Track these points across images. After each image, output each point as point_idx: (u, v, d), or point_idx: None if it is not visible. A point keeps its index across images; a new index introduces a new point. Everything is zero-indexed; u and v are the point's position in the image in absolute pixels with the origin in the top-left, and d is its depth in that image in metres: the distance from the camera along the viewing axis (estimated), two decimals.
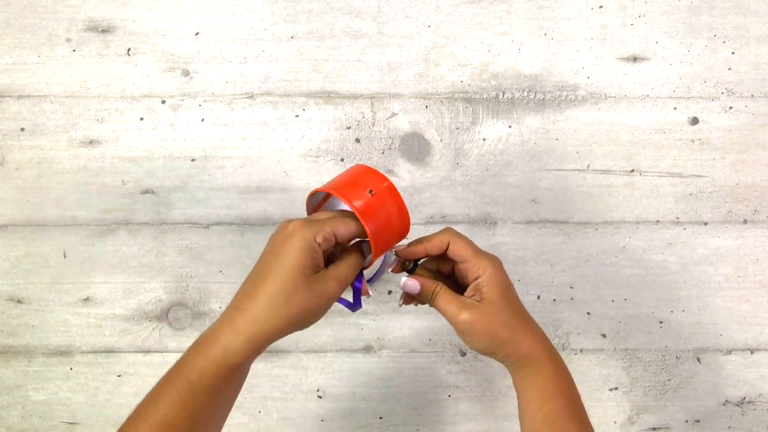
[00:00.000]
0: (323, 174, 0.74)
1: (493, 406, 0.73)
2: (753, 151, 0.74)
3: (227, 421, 0.48)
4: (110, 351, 0.72)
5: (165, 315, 0.73)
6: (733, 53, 0.75)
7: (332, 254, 0.50)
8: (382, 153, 0.74)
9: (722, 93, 0.74)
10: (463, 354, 0.73)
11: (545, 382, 0.49)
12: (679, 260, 0.73)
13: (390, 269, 0.53)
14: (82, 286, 0.73)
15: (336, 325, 0.73)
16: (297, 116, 0.74)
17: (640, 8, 0.75)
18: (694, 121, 0.74)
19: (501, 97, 0.74)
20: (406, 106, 0.74)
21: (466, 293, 0.50)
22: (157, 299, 0.73)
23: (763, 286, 0.73)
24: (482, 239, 0.73)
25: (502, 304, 0.49)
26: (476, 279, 0.50)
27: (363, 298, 0.52)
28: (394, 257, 0.52)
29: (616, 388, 0.73)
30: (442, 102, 0.74)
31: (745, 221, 0.74)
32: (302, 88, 0.74)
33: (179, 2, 0.75)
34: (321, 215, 0.49)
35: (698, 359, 0.73)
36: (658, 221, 0.74)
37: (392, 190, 0.49)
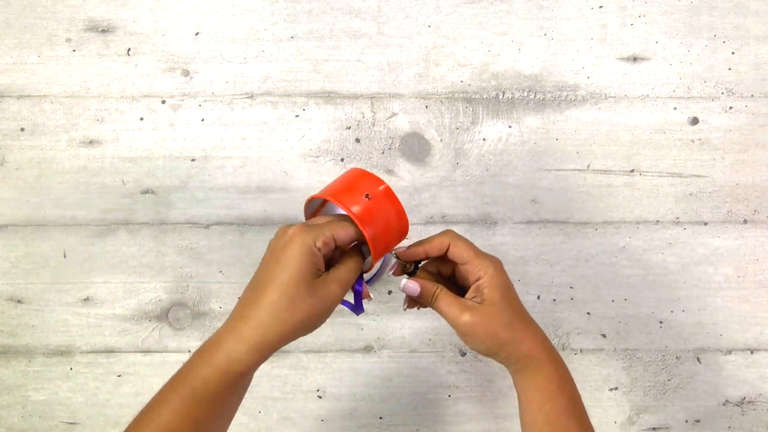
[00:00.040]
0: (323, 174, 0.74)
1: (493, 406, 0.73)
2: (753, 151, 0.74)
3: None
4: (110, 351, 0.72)
5: (165, 315, 0.73)
6: (733, 53, 0.75)
7: (332, 258, 0.50)
8: (382, 153, 0.74)
9: (722, 93, 0.74)
10: (463, 354, 0.73)
11: (546, 383, 0.49)
12: (679, 260, 0.74)
13: (391, 271, 0.53)
14: (82, 286, 0.73)
15: (336, 325, 0.73)
16: (297, 116, 0.74)
17: (640, 8, 0.75)
18: (694, 121, 0.74)
19: (501, 97, 0.74)
20: (406, 106, 0.74)
21: (467, 295, 0.50)
22: (157, 299, 0.73)
23: (763, 286, 0.73)
24: (482, 239, 0.73)
25: (503, 305, 0.49)
26: (477, 280, 0.50)
27: (364, 300, 0.52)
28: (394, 259, 0.53)
29: (616, 388, 0.73)
30: (442, 102, 0.74)
31: (745, 221, 0.74)
32: (302, 88, 0.74)
33: (179, 2, 0.75)
34: (319, 220, 0.49)
35: (698, 359, 0.73)
36: (658, 221, 0.74)
37: (389, 193, 0.49)
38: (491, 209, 0.74)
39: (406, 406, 0.73)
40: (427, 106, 0.74)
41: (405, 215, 0.50)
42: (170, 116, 0.74)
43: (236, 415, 0.48)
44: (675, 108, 0.74)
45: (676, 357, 0.73)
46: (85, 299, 0.73)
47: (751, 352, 0.73)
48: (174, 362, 0.72)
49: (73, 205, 0.73)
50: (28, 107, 0.74)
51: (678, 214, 0.74)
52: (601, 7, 0.75)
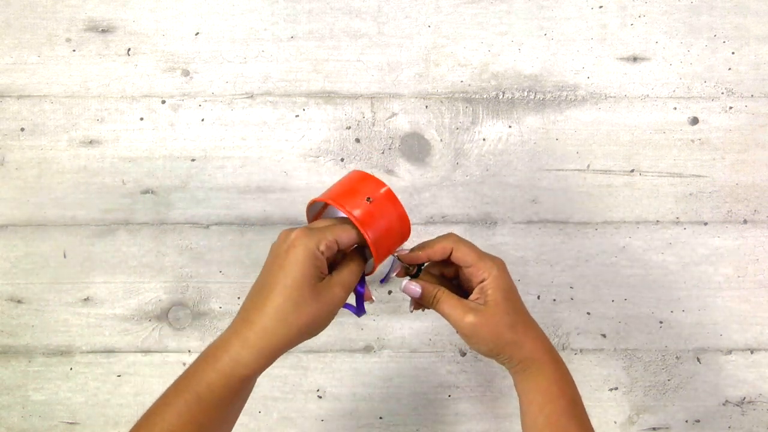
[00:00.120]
0: (323, 174, 0.74)
1: (493, 406, 0.73)
2: (753, 151, 0.74)
3: None
4: (110, 351, 0.72)
5: (165, 315, 0.73)
6: (733, 53, 0.75)
7: (333, 260, 0.50)
8: (382, 153, 0.74)
9: (722, 93, 0.74)
10: (463, 354, 0.73)
11: (547, 384, 0.49)
12: (679, 260, 0.74)
13: (395, 273, 0.53)
14: (82, 286, 0.73)
15: (336, 325, 0.73)
16: (297, 116, 0.74)
17: (640, 8, 0.75)
18: (694, 121, 0.74)
19: (501, 97, 0.74)
20: (406, 106, 0.74)
21: (472, 296, 0.51)
22: (157, 299, 0.73)
23: (763, 286, 0.73)
24: (482, 239, 0.73)
25: (507, 307, 0.49)
26: (481, 282, 0.50)
27: (366, 303, 0.52)
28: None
29: (616, 388, 0.73)
30: (442, 102, 0.74)
31: (745, 221, 0.74)
32: (302, 88, 0.74)
33: (179, 2, 0.75)
34: (322, 222, 0.49)
35: (698, 359, 0.73)
36: (658, 221, 0.74)
37: (390, 196, 0.49)
38: (491, 209, 0.74)
39: (406, 406, 0.73)
40: (427, 106, 0.74)
41: (407, 218, 0.50)
42: (170, 116, 0.74)
43: None
44: (675, 108, 0.74)
45: (676, 357, 0.73)
46: (85, 299, 0.73)
47: (751, 352, 0.73)
48: (174, 362, 0.72)
49: (73, 205, 0.73)
50: (28, 107, 0.74)
51: (678, 214, 0.74)
52: (601, 7, 0.75)
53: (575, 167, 0.74)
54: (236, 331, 0.45)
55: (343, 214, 0.49)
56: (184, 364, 0.72)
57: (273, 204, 0.73)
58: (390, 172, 0.74)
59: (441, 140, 0.74)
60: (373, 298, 0.53)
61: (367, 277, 0.52)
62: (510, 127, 0.74)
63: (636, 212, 0.74)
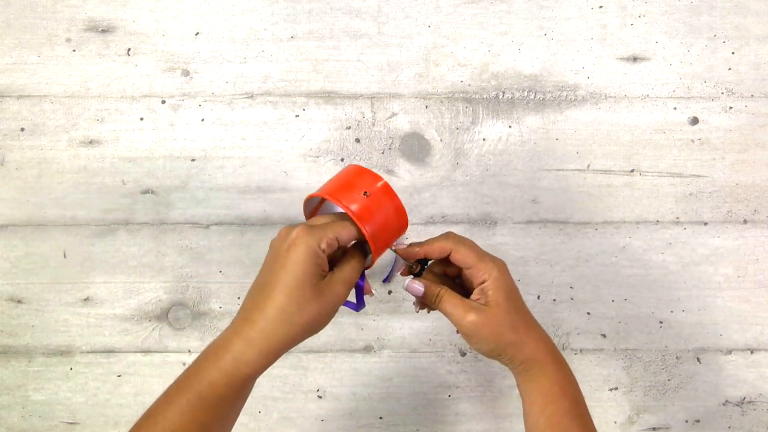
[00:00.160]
0: (323, 174, 0.74)
1: (493, 406, 0.73)
2: (753, 151, 0.74)
3: None
4: (110, 351, 0.72)
5: (165, 315, 0.73)
6: (733, 53, 0.75)
7: (333, 256, 0.50)
8: (382, 153, 0.74)
9: (722, 93, 0.74)
10: (463, 354, 0.73)
11: (549, 385, 0.49)
12: (679, 260, 0.74)
13: (398, 272, 0.53)
14: (82, 286, 0.73)
15: (336, 325, 0.73)
16: (297, 116, 0.74)
17: (640, 8, 0.75)
18: (694, 121, 0.74)
19: (501, 97, 0.74)
20: (406, 106, 0.74)
21: (472, 296, 0.51)
22: (157, 299, 0.73)
23: (763, 286, 0.73)
24: (482, 239, 0.73)
25: (508, 307, 0.49)
26: (482, 283, 0.50)
27: (366, 297, 0.52)
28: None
29: (616, 388, 0.73)
30: (442, 102, 0.74)
31: (745, 221, 0.74)
32: (302, 88, 0.74)
33: (179, 2, 0.75)
34: (321, 219, 0.49)
35: (698, 359, 0.73)
36: (658, 221, 0.74)
37: (387, 190, 0.49)
38: (491, 209, 0.74)
39: (406, 406, 0.73)
40: (427, 106, 0.74)
41: (404, 211, 0.50)
42: (170, 116, 0.74)
43: None
44: (675, 108, 0.74)
45: (676, 357, 0.73)
46: (85, 299, 0.73)
47: (751, 352, 0.73)
48: (174, 362, 0.72)
49: (73, 205, 0.73)
50: (28, 107, 0.74)
51: (678, 214, 0.74)
52: (601, 7, 0.75)
53: (575, 167, 0.74)
54: (238, 331, 0.45)
55: (340, 209, 0.49)
56: (184, 364, 0.72)
57: (273, 204, 0.73)
58: (390, 172, 0.74)
59: (441, 140, 0.74)
60: (373, 291, 0.53)
61: (366, 272, 0.52)
62: (510, 127, 0.74)
63: (636, 212, 0.74)
